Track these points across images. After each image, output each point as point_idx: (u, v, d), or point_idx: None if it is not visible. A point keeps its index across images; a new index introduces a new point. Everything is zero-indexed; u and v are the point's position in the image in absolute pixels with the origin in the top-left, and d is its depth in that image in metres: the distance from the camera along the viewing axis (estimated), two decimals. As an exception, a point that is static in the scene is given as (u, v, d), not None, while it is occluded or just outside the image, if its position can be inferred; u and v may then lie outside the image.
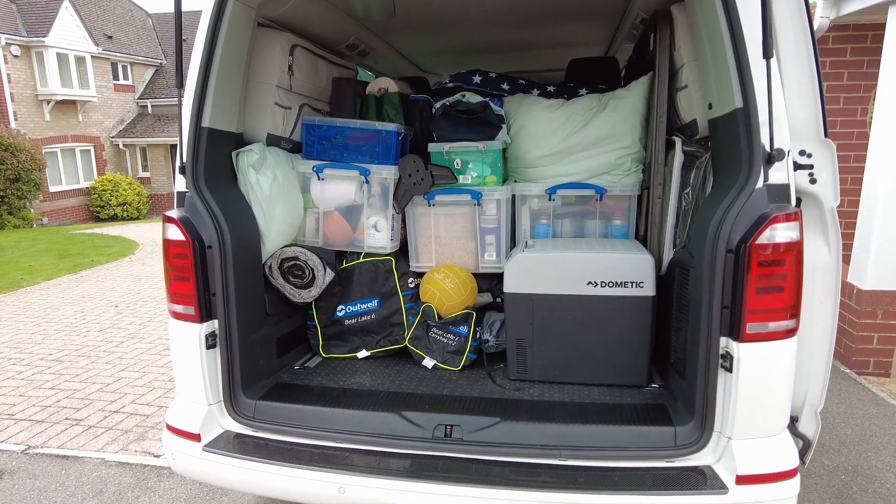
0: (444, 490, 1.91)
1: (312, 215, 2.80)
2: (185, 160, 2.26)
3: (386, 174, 2.65)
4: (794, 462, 1.90)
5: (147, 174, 21.93)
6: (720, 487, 1.85)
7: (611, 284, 2.31)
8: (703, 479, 1.89)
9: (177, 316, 2.29)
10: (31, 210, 17.05)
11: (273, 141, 2.71)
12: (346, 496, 1.96)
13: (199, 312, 2.23)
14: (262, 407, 2.28)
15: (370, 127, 2.78)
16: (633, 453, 1.99)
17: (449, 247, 2.79)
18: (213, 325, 2.27)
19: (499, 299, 2.89)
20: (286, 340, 2.68)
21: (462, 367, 2.60)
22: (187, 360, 2.26)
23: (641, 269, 2.29)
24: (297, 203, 2.70)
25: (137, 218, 19.93)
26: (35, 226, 17.12)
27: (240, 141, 2.56)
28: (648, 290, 2.30)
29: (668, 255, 2.51)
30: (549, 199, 2.73)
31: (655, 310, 2.33)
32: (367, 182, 2.68)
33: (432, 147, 2.72)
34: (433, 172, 2.61)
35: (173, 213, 2.29)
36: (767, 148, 1.87)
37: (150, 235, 13.34)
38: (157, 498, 2.92)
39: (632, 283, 2.30)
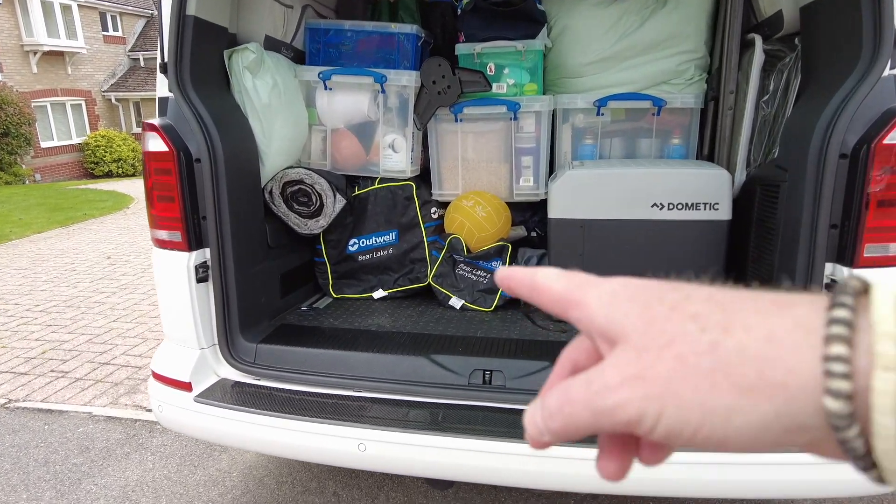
0: (484, 446, 1.58)
1: (318, 134, 2.40)
2: (167, 57, 1.86)
3: (406, 81, 2.24)
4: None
5: (141, 130, 21.29)
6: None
7: (679, 206, 1.93)
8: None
9: (161, 244, 1.93)
10: (23, 166, 16.55)
11: (272, 45, 2.29)
12: (368, 454, 1.63)
13: (187, 238, 1.87)
14: (265, 351, 1.93)
15: (384, 30, 2.35)
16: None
17: (478, 171, 2.41)
18: (205, 254, 1.91)
19: (533, 234, 2.52)
20: (291, 278, 2.32)
21: (495, 308, 2.25)
22: (174, 296, 1.91)
23: (717, 187, 1.92)
24: (301, 116, 2.29)
25: (133, 175, 19.41)
26: (28, 182, 16.64)
27: (233, 43, 2.15)
28: (724, 212, 1.93)
29: (740, 175, 2.13)
30: (598, 114, 2.33)
31: (730, 236, 1.96)
32: (383, 91, 2.27)
33: (461, 48, 2.30)
34: (462, 79, 2.20)
35: (154, 120, 1.90)
36: None
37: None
38: (149, 455, 2.62)
39: (705, 204, 1.92)
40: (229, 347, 1.93)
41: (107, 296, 5.04)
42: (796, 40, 1.99)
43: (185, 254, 1.88)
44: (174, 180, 1.84)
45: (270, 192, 2.21)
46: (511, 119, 2.28)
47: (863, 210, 1.49)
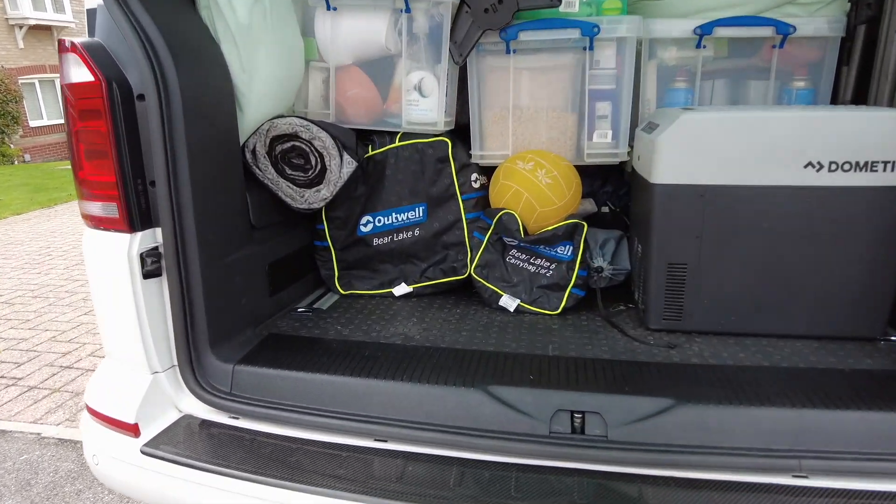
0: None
1: (319, 73, 1.79)
2: (92, -55, 1.25)
3: (440, -5, 1.62)
4: None
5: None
6: None
7: (846, 167, 1.33)
8: None
9: (94, 222, 1.34)
10: (11, 146, 15.90)
11: (254, -48, 1.67)
12: (402, 548, 1.05)
13: (127, 213, 1.28)
14: (245, 376, 1.35)
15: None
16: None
17: (535, 123, 1.79)
18: (155, 236, 1.32)
19: (605, 209, 1.92)
20: (284, 269, 1.72)
21: (562, 310, 1.65)
22: (112, 297, 1.32)
23: (903, 138, 1.31)
24: (295, 47, 1.68)
25: (126, 155, 18.78)
26: (17, 163, 16.01)
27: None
28: (910, 175, 1.33)
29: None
30: (697, 46, 1.72)
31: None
32: (408, 10, 1.65)
33: (517, -51, 1.68)
34: (519, -9, 1.58)
35: (77, 38, 1.30)
36: None
37: (136, 170, 12.28)
38: (105, 495, 2.05)
39: (884, 163, 1.32)
40: (194, 370, 1.35)
41: (80, 284, 4.46)
42: None
43: (126, 235, 1.29)
44: (105, 125, 1.24)
45: (253, 151, 1.61)
46: (585, 49, 1.66)
47: None
